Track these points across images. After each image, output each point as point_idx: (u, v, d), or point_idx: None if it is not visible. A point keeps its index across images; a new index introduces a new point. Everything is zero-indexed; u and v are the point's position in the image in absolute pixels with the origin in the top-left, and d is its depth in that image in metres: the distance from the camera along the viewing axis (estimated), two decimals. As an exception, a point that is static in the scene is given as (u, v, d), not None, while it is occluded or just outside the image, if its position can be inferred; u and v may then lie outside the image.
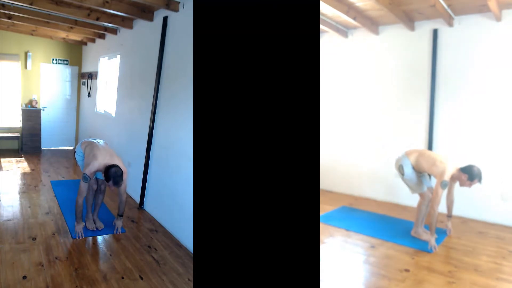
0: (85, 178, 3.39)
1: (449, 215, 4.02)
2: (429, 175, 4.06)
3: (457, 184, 3.80)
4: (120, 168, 3.37)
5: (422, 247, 3.60)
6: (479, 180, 3.53)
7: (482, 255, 3.49)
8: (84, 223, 3.67)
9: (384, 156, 5.46)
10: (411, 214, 4.58)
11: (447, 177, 3.53)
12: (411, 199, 4.85)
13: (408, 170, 3.83)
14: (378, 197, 5.58)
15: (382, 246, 3.66)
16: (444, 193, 3.78)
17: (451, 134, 4.86)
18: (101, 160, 3.44)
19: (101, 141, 3.88)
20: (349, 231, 4.08)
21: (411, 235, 3.93)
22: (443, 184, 3.52)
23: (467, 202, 4.03)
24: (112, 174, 3.29)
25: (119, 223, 3.74)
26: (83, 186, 3.42)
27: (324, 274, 3.03)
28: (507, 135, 4.44)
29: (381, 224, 4.37)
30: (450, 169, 3.56)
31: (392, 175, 5.34)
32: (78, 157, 3.89)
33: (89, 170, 3.39)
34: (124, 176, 3.48)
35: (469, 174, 3.50)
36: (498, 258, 3.41)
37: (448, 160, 3.67)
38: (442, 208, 4.17)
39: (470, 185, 3.58)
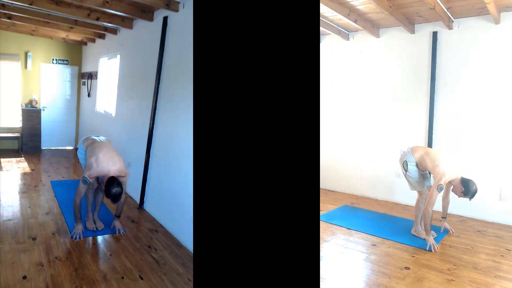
0: (85, 181, 3.40)
1: (444, 216, 4.07)
2: (430, 173, 4.08)
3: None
4: (121, 187, 3.36)
5: (422, 245, 3.61)
6: (470, 198, 3.60)
7: (481, 253, 3.50)
8: (83, 224, 3.67)
9: (384, 157, 5.48)
10: (411, 213, 4.59)
11: (444, 182, 3.56)
12: (411, 199, 4.86)
13: (412, 167, 3.85)
14: (379, 196, 5.60)
15: (382, 244, 3.68)
16: (440, 195, 3.80)
17: (450, 134, 4.87)
18: (104, 166, 3.43)
19: (103, 138, 3.88)
20: (350, 230, 4.10)
21: (411, 234, 3.94)
22: (439, 188, 3.55)
23: (466, 201, 4.04)
24: (113, 194, 3.31)
25: (118, 223, 3.75)
26: (82, 187, 3.43)
27: (326, 272, 3.04)
28: (505, 136, 4.45)
29: (382, 222, 4.38)
30: (450, 175, 3.59)
31: (393, 175, 5.37)
32: (80, 154, 3.87)
33: (90, 174, 3.40)
34: (124, 178, 3.55)
35: (466, 189, 3.56)
36: (496, 256, 3.43)
37: (451, 164, 3.68)
38: (438, 207, 4.18)
39: (460, 196, 3.67)
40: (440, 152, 3.93)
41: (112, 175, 3.43)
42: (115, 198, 3.35)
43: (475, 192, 3.56)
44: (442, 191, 3.75)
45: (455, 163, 3.88)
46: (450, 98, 4.87)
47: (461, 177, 3.62)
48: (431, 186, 3.92)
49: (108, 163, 3.45)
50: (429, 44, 5.02)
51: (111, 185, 3.32)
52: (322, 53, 6.14)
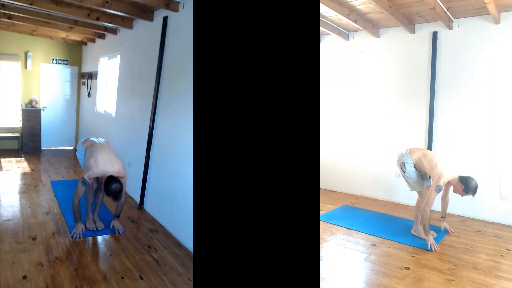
0: (84, 182, 3.43)
1: (443, 216, 4.08)
2: (429, 175, 4.08)
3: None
4: (120, 183, 3.40)
5: (422, 245, 3.61)
6: (473, 194, 3.58)
7: (481, 253, 3.50)
8: (84, 224, 3.68)
9: (384, 157, 5.48)
10: (411, 213, 4.59)
11: (442, 183, 3.56)
12: (411, 199, 4.86)
13: (410, 168, 3.86)
14: (379, 196, 5.60)
15: (382, 244, 3.67)
16: (439, 195, 3.80)
17: (450, 134, 4.87)
18: (102, 167, 3.46)
19: (102, 140, 3.90)
20: (350, 230, 4.09)
21: (411, 234, 3.94)
22: (437, 188, 3.54)
23: (466, 201, 4.05)
24: (112, 191, 3.36)
25: (117, 223, 3.75)
26: (81, 188, 3.46)
27: (326, 272, 3.04)
28: (505, 135, 4.45)
29: (382, 222, 4.38)
30: (447, 175, 3.59)
31: (393, 175, 5.37)
32: (79, 155, 3.90)
33: (89, 176, 3.43)
34: (124, 179, 3.59)
35: (466, 186, 3.55)
36: (496, 257, 3.43)
37: (448, 165, 3.68)
38: (438, 207, 4.19)
39: (462, 195, 3.65)
40: (437, 153, 3.93)
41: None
42: (116, 195, 3.40)
43: (476, 187, 3.55)
44: (441, 192, 3.75)
45: (453, 163, 3.88)
46: (450, 98, 4.86)
47: (459, 176, 3.62)
48: (430, 186, 3.93)
49: (106, 164, 3.49)
50: (429, 44, 5.02)
51: (110, 182, 3.37)
52: (322, 53, 6.14)
